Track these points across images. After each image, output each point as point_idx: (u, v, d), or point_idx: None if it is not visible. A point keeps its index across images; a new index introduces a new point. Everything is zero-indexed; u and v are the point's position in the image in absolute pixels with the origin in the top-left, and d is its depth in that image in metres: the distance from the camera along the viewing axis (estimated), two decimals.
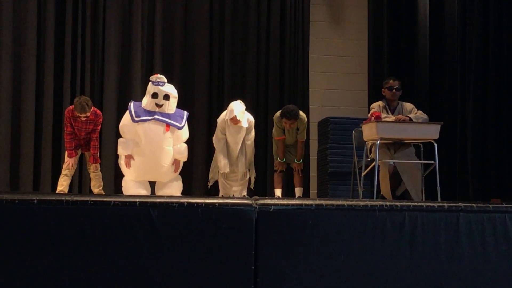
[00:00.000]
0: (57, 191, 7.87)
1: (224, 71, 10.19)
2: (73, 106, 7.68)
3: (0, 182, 9.22)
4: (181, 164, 7.53)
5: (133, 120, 7.25)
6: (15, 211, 4.16)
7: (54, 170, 9.22)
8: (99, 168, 7.98)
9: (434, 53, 9.74)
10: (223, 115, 7.97)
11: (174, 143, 7.37)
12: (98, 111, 7.80)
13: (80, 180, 9.31)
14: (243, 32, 10.32)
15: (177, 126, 7.31)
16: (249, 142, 8.04)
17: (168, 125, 7.26)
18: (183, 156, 7.46)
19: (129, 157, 7.35)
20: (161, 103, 7.26)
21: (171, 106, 7.33)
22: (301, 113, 8.14)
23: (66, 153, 7.82)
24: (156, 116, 7.24)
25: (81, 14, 9.74)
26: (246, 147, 8.03)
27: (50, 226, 4.20)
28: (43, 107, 9.52)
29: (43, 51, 9.61)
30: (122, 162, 7.45)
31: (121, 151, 7.38)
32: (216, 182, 8.32)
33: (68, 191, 7.93)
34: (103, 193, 7.98)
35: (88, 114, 7.56)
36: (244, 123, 7.84)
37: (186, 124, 7.47)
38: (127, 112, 7.36)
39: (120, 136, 7.46)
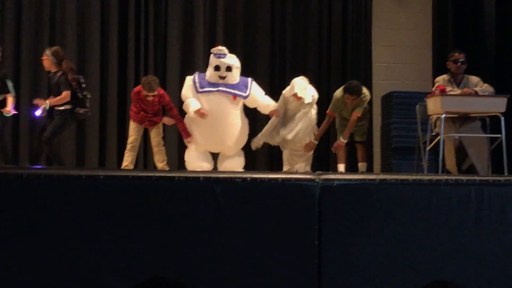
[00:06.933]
0: (122, 167, 7.99)
1: (286, 46, 10.17)
2: (139, 87, 7.77)
3: (67, 159, 9.40)
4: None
5: (197, 91, 7.28)
6: (81, 186, 4.23)
7: (119, 146, 9.35)
8: (163, 143, 8.06)
9: (500, 23, 9.52)
10: (287, 89, 7.96)
11: (251, 106, 7.43)
12: (161, 91, 7.86)
13: (145, 156, 9.42)
14: (304, 7, 10.26)
15: (242, 95, 7.33)
16: (312, 115, 8.01)
17: (234, 96, 7.28)
18: (271, 105, 7.56)
19: (198, 111, 7.32)
20: (223, 75, 7.28)
21: (234, 76, 7.34)
22: (365, 90, 8.07)
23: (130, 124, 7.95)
24: (220, 88, 7.26)
25: None
26: (310, 122, 7.99)
27: (116, 202, 4.26)
28: (108, 84, 9.66)
29: (107, 28, 9.73)
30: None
31: (189, 110, 7.37)
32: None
33: (134, 167, 8.04)
34: (167, 168, 8.07)
35: (156, 92, 7.63)
36: (308, 99, 7.82)
37: (254, 85, 7.46)
38: (189, 81, 7.38)
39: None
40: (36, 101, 7.88)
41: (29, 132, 9.45)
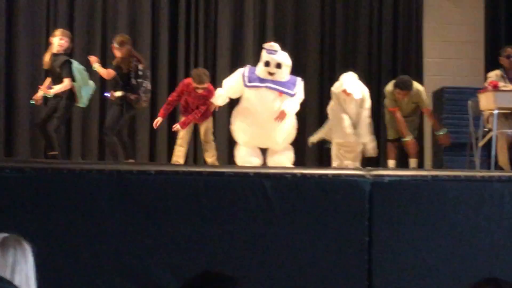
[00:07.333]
0: (172, 162, 8.04)
1: (336, 42, 10.12)
2: (189, 79, 7.83)
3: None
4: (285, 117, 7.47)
5: (245, 85, 7.31)
6: (133, 181, 4.27)
7: (170, 141, 9.40)
8: (213, 138, 8.09)
9: None
10: (336, 85, 7.94)
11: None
12: (211, 86, 7.90)
13: (195, 151, 9.47)
14: (355, 2, 10.21)
15: (289, 93, 7.32)
16: (365, 112, 7.95)
17: (280, 92, 7.29)
18: (288, 109, 7.45)
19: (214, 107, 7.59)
20: (272, 72, 7.28)
21: (283, 74, 7.34)
22: (417, 84, 8.01)
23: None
24: (268, 84, 7.28)
25: None
26: (362, 119, 7.94)
27: (167, 197, 4.30)
28: (158, 78, 9.71)
29: (157, 22, 9.80)
30: (234, 128, 7.54)
31: (213, 99, 7.57)
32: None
33: (184, 162, 8.08)
34: (217, 163, 8.09)
35: (206, 85, 7.68)
36: (357, 95, 7.78)
37: (301, 87, 7.45)
38: (238, 73, 7.42)
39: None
40: (91, 57, 8.06)
41: (81, 126, 9.59)
